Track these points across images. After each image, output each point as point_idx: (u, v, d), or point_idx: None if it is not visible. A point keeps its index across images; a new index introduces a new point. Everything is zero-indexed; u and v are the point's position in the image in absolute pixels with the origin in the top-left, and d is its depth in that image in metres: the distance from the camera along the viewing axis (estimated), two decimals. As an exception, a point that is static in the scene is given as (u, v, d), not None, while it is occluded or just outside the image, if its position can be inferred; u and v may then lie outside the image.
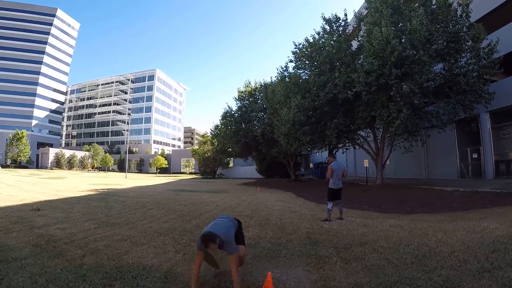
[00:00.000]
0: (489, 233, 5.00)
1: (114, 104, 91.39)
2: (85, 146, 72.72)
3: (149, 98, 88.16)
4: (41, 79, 77.04)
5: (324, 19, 16.68)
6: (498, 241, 4.40)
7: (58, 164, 56.76)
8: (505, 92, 14.03)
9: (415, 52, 11.58)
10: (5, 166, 50.38)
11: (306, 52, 16.93)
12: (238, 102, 29.32)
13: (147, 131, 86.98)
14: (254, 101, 28.35)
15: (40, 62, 76.88)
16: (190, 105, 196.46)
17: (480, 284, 2.95)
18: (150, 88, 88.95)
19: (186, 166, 64.94)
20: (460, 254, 3.94)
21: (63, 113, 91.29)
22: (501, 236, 4.68)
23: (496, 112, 15.15)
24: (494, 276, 3.11)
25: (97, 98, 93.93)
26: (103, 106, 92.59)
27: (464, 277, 3.16)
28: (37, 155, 61.43)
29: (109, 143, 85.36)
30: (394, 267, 3.63)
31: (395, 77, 11.73)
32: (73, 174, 41.66)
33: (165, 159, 62.87)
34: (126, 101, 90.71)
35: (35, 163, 59.90)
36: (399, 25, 13.06)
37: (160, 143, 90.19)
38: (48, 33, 78.70)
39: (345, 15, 16.75)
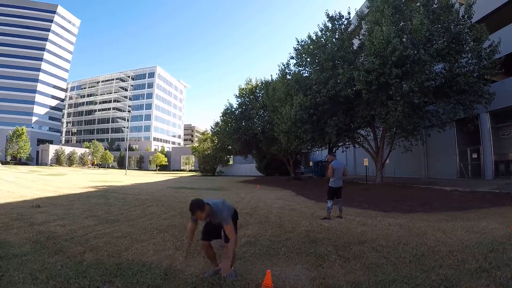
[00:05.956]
0: (488, 233, 5.02)
1: (114, 101, 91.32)
2: (85, 143, 72.77)
3: (149, 95, 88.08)
4: (41, 76, 76.98)
5: (328, 16, 16.68)
6: (496, 241, 4.42)
7: (58, 161, 56.74)
8: (505, 93, 14.01)
9: (415, 52, 11.56)
10: (5, 162, 50.37)
11: (309, 49, 16.92)
12: (238, 99, 29.26)
13: (147, 128, 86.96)
14: (254, 98, 28.26)
15: (41, 59, 76.78)
16: (190, 103, 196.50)
17: (478, 284, 2.96)
18: (150, 85, 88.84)
19: (186, 164, 64.96)
20: (459, 253, 3.96)
21: (63, 110, 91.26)
22: (499, 236, 4.71)
23: (496, 112, 15.14)
24: (492, 276, 3.13)
25: (97, 95, 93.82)
26: (103, 103, 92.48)
27: (462, 276, 3.18)
28: (37, 152, 61.44)
29: (109, 140, 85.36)
30: (392, 265, 3.65)
31: (395, 76, 11.72)
32: (73, 171, 41.69)
33: (165, 156, 62.85)
34: (126, 98, 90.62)
35: (35, 160, 59.93)
36: (400, 25, 13.02)
37: (160, 140, 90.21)
38: (48, 30, 78.54)
39: (348, 13, 16.81)
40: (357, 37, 17.18)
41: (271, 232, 5.75)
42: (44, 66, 77.54)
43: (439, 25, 12.45)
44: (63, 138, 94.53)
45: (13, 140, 51.60)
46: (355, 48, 16.63)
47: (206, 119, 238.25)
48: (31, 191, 12.91)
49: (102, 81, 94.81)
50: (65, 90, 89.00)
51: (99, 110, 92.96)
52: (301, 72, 18.98)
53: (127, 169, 46.40)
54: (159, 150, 70.96)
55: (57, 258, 3.94)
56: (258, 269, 3.64)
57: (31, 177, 23.33)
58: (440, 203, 9.24)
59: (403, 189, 13.35)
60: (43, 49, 77.31)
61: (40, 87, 76.72)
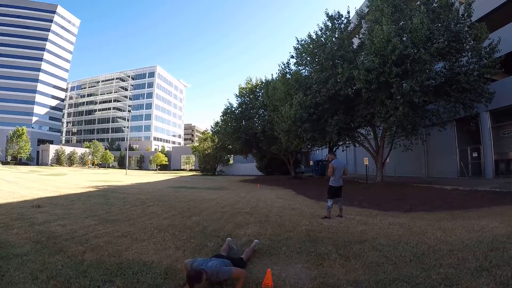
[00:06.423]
0: (488, 232, 5.01)
1: (115, 101, 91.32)
2: (85, 143, 72.76)
3: (150, 95, 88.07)
4: (41, 76, 77.01)
5: (327, 15, 16.66)
6: (496, 240, 4.41)
7: (58, 161, 56.77)
8: (505, 92, 13.99)
9: (416, 51, 11.55)
10: (5, 163, 50.39)
11: (309, 48, 16.90)
12: (239, 98, 29.28)
13: (147, 128, 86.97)
14: (254, 98, 28.28)
15: (40, 59, 76.81)
16: (191, 102, 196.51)
17: (479, 283, 2.96)
18: (150, 85, 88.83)
19: (186, 163, 65.00)
20: (459, 252, 3.95)
21: (63, 110, 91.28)
22: (499, 235, 4.70)
23: (496, 111, 15.11)
24: (493, 275, 3.13)
25: (98, 95, 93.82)
26: (103, 102, 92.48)
27: (463, 275, 3.18)
28: (38, 152, 61.49)
29: (109, 140, 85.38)
30: (393, 264, 3.65)
31: (396, 75, 11.71)
32: (74, 171, 41.70)
33: (165, 156, 62.90)
34: (127, 98, 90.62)
35: (36, 160, 59.95)
36: (400, 24, 13.01)
37: (161, 140, 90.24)
38: (48, 30, 78.56)
39: (348, 12, 16.78)
40: (357, 36, 17.17)
41: (271, 231, 5.75)
42: (44, 66, 77.55)
43: (439, 24, 12.44)
44: (63, 138, 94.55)
45: (14, 140, 51.64)
46: (355, 47, 16.61)
47: (206, 118, 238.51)
48: (32, 191, 12.91)
49: (102, 81, 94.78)
50: (65, 90, 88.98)
51: (99, 110, 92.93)
52: (301, 71, 18.97)
53: (128, 169, 46.44)
54: (160, 150, 71.01)
55: (57, 258, 3.94)
56: (258, 268, 3.64)
57: (31, 177, 23.34)
58: (441, 202, 9.24)
59: (403, 188, 13.34)
60: (43, 49, 77.30)
61: (40, 87, 76.74)
